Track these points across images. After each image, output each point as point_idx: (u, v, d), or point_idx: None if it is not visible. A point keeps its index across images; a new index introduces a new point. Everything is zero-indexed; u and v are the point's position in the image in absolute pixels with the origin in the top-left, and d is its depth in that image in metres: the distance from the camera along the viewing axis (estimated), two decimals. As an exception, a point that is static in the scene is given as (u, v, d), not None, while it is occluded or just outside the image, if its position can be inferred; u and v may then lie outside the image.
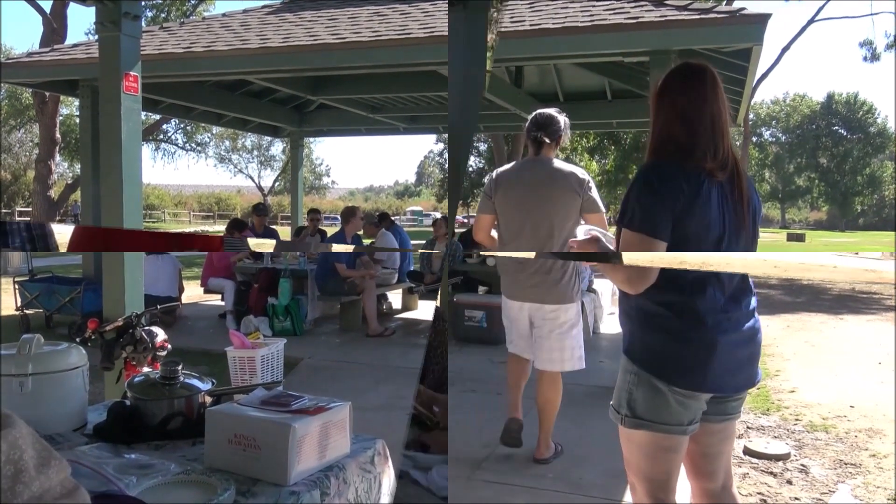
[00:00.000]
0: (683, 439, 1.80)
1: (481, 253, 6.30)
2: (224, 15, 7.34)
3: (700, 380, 1.73)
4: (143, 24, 4.93)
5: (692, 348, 1.72)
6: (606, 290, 7.29)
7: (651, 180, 1.71)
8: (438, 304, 2.31)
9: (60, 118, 21.72)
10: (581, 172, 3.23)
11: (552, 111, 3.30)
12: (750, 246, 1.81)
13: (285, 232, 19.66)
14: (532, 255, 3.30)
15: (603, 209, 3.24)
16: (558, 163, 3.26)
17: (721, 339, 1.71)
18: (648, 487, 1.84)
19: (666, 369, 1.73)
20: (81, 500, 0.80)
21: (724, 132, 1.75)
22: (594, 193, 3.21)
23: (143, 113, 5.93)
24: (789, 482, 3.34)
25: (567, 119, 3.33)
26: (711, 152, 1.71)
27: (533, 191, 3.21)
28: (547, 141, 3.24)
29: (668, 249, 1.69)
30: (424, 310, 8.46)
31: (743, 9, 4.77)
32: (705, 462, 1.92)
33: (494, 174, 3.40)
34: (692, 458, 1.91)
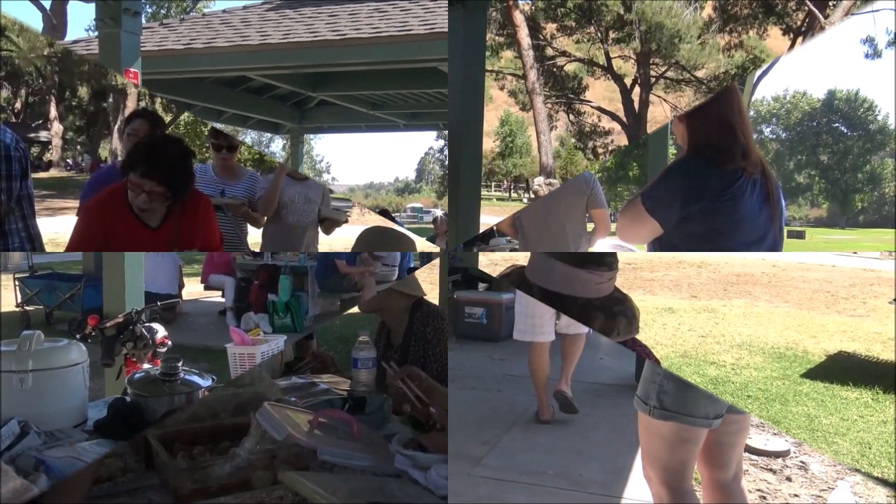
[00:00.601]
0: (705, 432, 1.85)
1: (477, 251, 6.35)
2: (224, 11, 7.31)
3: None
4: (143, 20, 4.92)
5: None
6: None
7: (685, 174, 1.84)
8: (394, 287, 2.31)
9: (60, 114, 21.69)
10: (588, 175, 3.70)
11: None
12: (777, 242, 1.88)
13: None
14: (528, 254, 3.52)
15: (606, 205, 3.63)
16: None
17: None
18: (664, 475, 1.89)
19: None
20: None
21: (751, 133, 1.86)
22: (598, 191, 3.61)
23: (144, 109, 5.92)
24: (788, 479, 3.35)
25: None
26: (746, 152, 1.81)
27: (549, 191, 3.66)
28: None
29: (694, 243, 1.79)
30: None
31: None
32: (720, 451, 1.96)
33: None
34: (707, 447, 1.94)
